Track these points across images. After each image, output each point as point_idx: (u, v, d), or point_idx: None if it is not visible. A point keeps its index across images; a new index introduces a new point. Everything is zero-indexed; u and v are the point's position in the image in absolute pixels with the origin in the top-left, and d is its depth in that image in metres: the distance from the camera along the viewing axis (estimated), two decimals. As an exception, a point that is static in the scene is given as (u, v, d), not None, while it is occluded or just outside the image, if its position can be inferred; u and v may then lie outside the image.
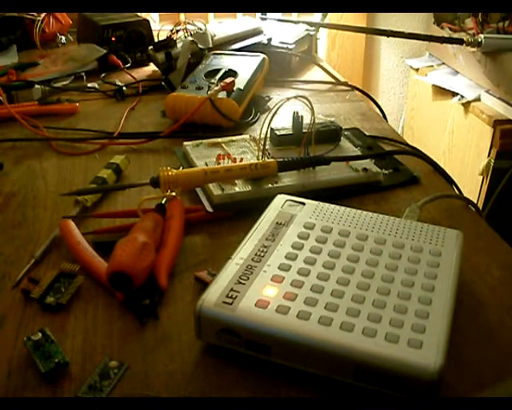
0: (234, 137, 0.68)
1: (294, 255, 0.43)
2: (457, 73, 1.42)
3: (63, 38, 1.18)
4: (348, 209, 0.49)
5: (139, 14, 1.12)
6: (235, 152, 0.64)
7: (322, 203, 0.50)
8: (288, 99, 0.62)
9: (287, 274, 0.41)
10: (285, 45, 1.03)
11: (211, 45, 0.95)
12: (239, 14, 1.60)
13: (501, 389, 0.34)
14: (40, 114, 0.81)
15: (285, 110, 0.66)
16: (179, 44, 0.94)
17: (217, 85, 0.77)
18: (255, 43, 1.01)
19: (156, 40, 1.04)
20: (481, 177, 1.23)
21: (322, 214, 0.48)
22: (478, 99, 1.30)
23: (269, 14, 1.19)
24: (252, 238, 0.45)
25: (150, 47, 0.95)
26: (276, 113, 0.60)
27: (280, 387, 0.37)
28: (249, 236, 0.45)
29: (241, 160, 0.61)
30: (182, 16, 1.54)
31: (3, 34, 1.13)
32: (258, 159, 0.61)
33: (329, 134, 0.68)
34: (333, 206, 0.50)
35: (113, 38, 1.04)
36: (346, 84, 0.98)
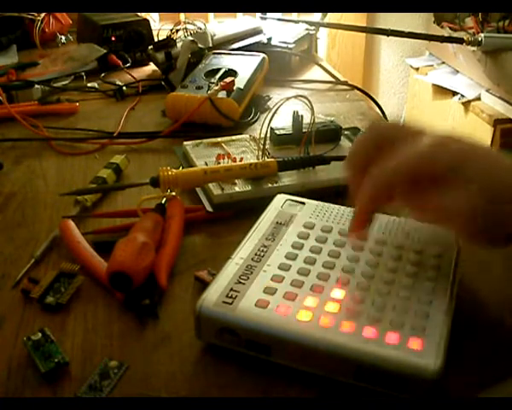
0: (234, 137, 0.68)
1: (294, 255, 0.43)
2: (457, 72, 1.42)
3: (63, 37, 1.18)
4: (348, 209, 0.49)
5: (139, 13, 1.12)
6: (234, 152, 0.64)
7: (322, 203, 0.50)
8: (288, 99, 0.62)
9: (287, 274, 0.41)
10: (285, 45, 1.03)
11: (211, 45, 0.95)
12: (239, 14, 1.60)
13: (501, 389, 0.34)
14: (40, 113, 0.81)
15: (285, 110, 0.66)
16: (179, 44, 0.94)
17: (217, 85, 0.77)
18: (255, 43, 1.01)
19: (156, 40, 1.04)
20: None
21: (322, 214, 0.48)
22: (478, 98, 1.31)
23: (269, 14, 1.19)
24: (252, 238, 0.45)
25: (150, 47, 0.95)
26: (275, 112, 0.60)
27: (280, 387, 0.37)
28: (249, 235, 0.45)
29: (241, 159, 0.61)
30: (182, 16, 1.54)
31: (3, 34, 1.12)
32: (258, 158, 0.61)
33: (329, 134, 0.68)
34: (333, 206, 0.49)
35: (113, 38, 1.04)
36: (346, 83, 0.98)
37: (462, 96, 1.32)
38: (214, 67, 0.84)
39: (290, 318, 0.37)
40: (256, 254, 0.43)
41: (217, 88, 0.75)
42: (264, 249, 0.43)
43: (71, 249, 0.49)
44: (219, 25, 1.12)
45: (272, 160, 0.58)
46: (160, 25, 1.33)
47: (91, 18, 1.07)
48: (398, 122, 0.47)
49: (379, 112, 0.86)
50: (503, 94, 1.22)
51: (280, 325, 0.37)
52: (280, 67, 1.00)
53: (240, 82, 0.79)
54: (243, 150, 0.65)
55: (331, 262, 0.42)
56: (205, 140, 0.67)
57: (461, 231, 0.41)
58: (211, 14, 1.70)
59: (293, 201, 0.50)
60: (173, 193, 0.54)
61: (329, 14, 1.45)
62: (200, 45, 0.92)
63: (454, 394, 0.36)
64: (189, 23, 1.00)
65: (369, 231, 0.46)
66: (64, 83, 0.94)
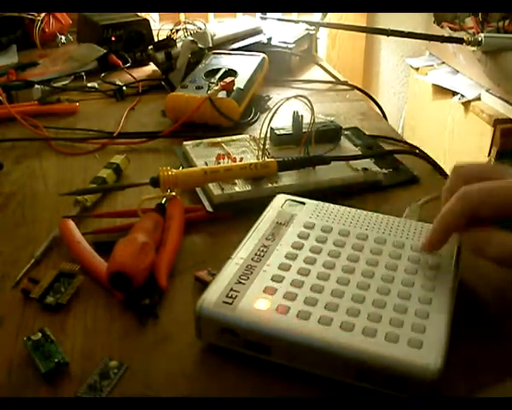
0: (234, 137, 0.68)
1: (294, 255, 0.43)
2: (457, 72, 1.42)
3: (63, 37, 1.18)
4: (348, 209, 0.49)
5: (139, 13, 1.12)
6: (234, 152, 0.64)
7: (322, 203, 0.50)
8: (288, 99, 0.62)
9: (287, 274, 0.41)
10: (285, 45, 1.03)
11: (211, 45, 0.95)
12: (239, 14, 1.60)
13: (501, 389, 0.34)
14: (40, 113, 0.81)
15: (285, 110, 0.66)
16: (179, 44, 0.94)
17: (217, 85, 0.77)
18: (255, 43, 1.01)
19: (156, 40, 1.04)
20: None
21: (322, 214, 0.48)
22: (478, 98, 1.31)
23: (269, 14, 1.19)
24: (252, 238, 0.45)
25: (150, 47, 0.95)
26: (275, 112, 0.60)
27: (280, 387, 0.37)
28: (249, 235, 0.45)
29: (241, 159, 0.61)
30: (182, 16, 1.54)
31: (3, 34, 1.13)
32: (258, 158, 0.61)
33: (329, 134, 0.68)
34: (333, 206, 0.49)
35: (113, 38, 1.04)
36: (346, 83, 0.98)
37: (462, 96, 1.32)
38: (214, 67, 0.84)
39: (290, 318, 0.37)
40: (256, 254, 0.43)
41: (217, 88, 0.75)
42: (264, 249, 0.43)
43: (71, 249, 0.49)
44: (219, 25, 1.12)
45: (272, 160, 0.58)
46: (160, 25, 1.33)
47: (91, 18, 1.07)
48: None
49: (379, 112, 0.86)
50: (503, 94, 1.22)
51: (280, 324, 0.37)
52: (280, 67, 1.00)
53: (240, 82, 0.79)
54: (243, 150, 0.65)
55: (331, 262, 0.42)
56: (205, 140, 0.67)
57: None
58: (211, 14, 1.71)
59: (293, 201, 0.50)
60: (173, 193, 0.54)
61: (329, 14, 1.45)
62: (200, 45, 0.92)
63: (454, 394, 0.36)
64: (189, 23, 1.00)
65: (369, 230, 0.46)
66: (64, 83, 0.94)
